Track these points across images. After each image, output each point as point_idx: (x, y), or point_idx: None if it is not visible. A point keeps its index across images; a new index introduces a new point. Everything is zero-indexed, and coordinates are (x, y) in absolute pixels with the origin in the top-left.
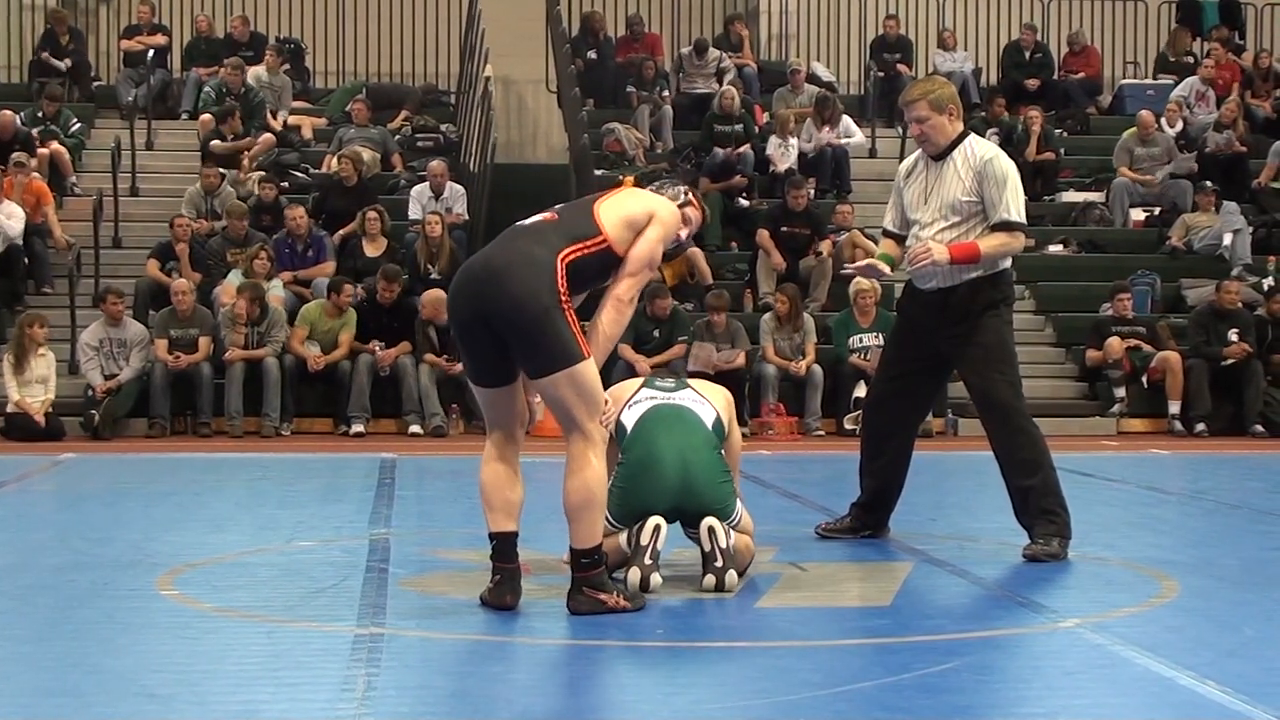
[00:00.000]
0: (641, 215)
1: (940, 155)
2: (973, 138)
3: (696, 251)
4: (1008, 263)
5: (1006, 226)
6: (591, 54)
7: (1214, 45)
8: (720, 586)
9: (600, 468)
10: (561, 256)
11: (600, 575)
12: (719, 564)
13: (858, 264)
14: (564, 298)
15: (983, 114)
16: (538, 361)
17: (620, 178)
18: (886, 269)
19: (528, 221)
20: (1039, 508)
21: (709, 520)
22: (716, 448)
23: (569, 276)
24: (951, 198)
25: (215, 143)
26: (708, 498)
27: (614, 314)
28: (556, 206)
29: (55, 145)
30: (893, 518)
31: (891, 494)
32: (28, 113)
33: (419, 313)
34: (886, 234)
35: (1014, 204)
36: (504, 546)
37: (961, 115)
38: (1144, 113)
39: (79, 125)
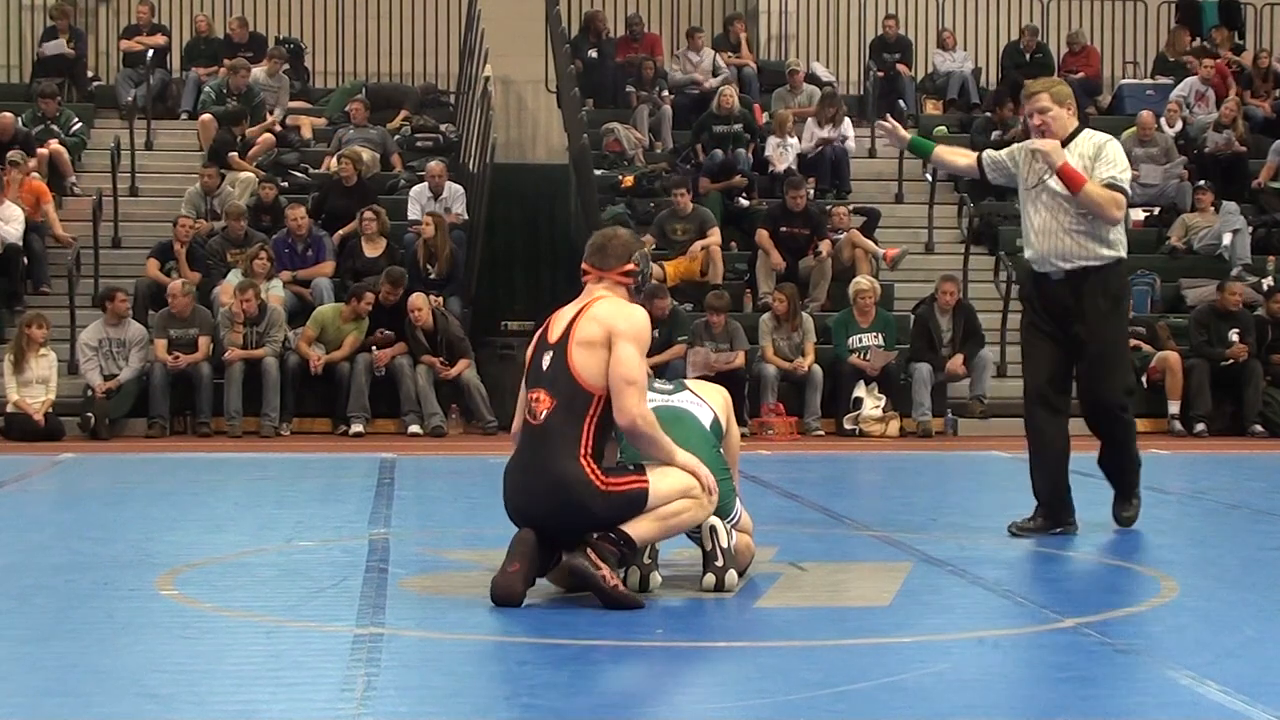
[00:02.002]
0: (600, 341)
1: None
2: (1089, 130)
3: (715, 250)
4: (1123, 250)
5: (1114, 187)
6: (592, 53)
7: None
8: (720, 586)
9: (694, 508)
10: (583, 453)
11: (614, 554)
12: (719, 563)
13: (893, 129)
14: (601, 484)
15: (988, 114)
16: (625, 521)
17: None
18: (905, 136)
19: (540, 420)
20: (1131, 486)
21: (711, 519)
22: (715, 448)
23: (595, 456)
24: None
25: (233, 155)
26: None
27: (646, 426)
28: (544, 373)
29: (55, 145)
30: (892, 518)
31: (1064, 486)
32: (28, 113)
33: (411, 316)
34: (979, 151)
35: (1124, 177)
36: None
37: (1077, 113)
38: (1144, 113)
39: (79, 125)
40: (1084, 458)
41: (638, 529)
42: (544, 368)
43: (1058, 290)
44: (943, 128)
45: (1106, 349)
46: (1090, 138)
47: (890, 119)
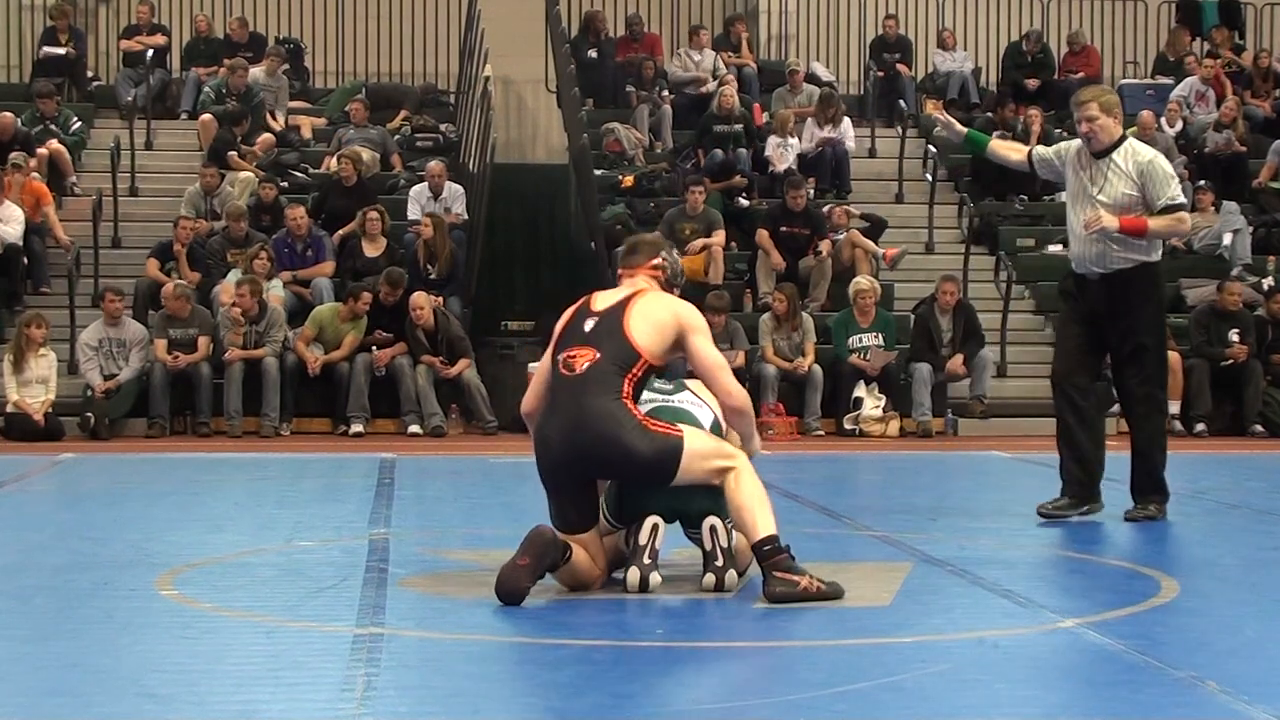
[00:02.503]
0: (670, 325)
1: (1102, 153)
2: (1133, 140)
3: (718, 251)
4: (1159, 254)
5: (1172, 208)
6: (592, 53)
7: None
8: (720, 586)
9: (750, 478)
10: (626, 396)
11: (786, 560)
12: (719, 563)
13: (949, 122)
14: (643, 420)
15: (989, 114)
16: (660, 476)
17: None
18: (961, 130)
19: (580, 371)
20: (1155, 484)
21: (711, 519)
22: None
23: (634, 399)
24: (1115, 192)
25: (232, 155)
26: (707, 497)
27: (746, 403)
28: (588, 334)
29: (55, 144)
30: (892, 518)
31: (1096, 465)
32: (28, 114)
33: (411, 315)
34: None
35: (1176, 191)
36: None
37: (1122, 121)
38: (1145, 113)
39: (79, 124)
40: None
41: (767, 523)
42: (586, 329)
43: (1095, 290)
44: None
45: (1141, 343)
46: (1133, 152)
47: (943, 112)
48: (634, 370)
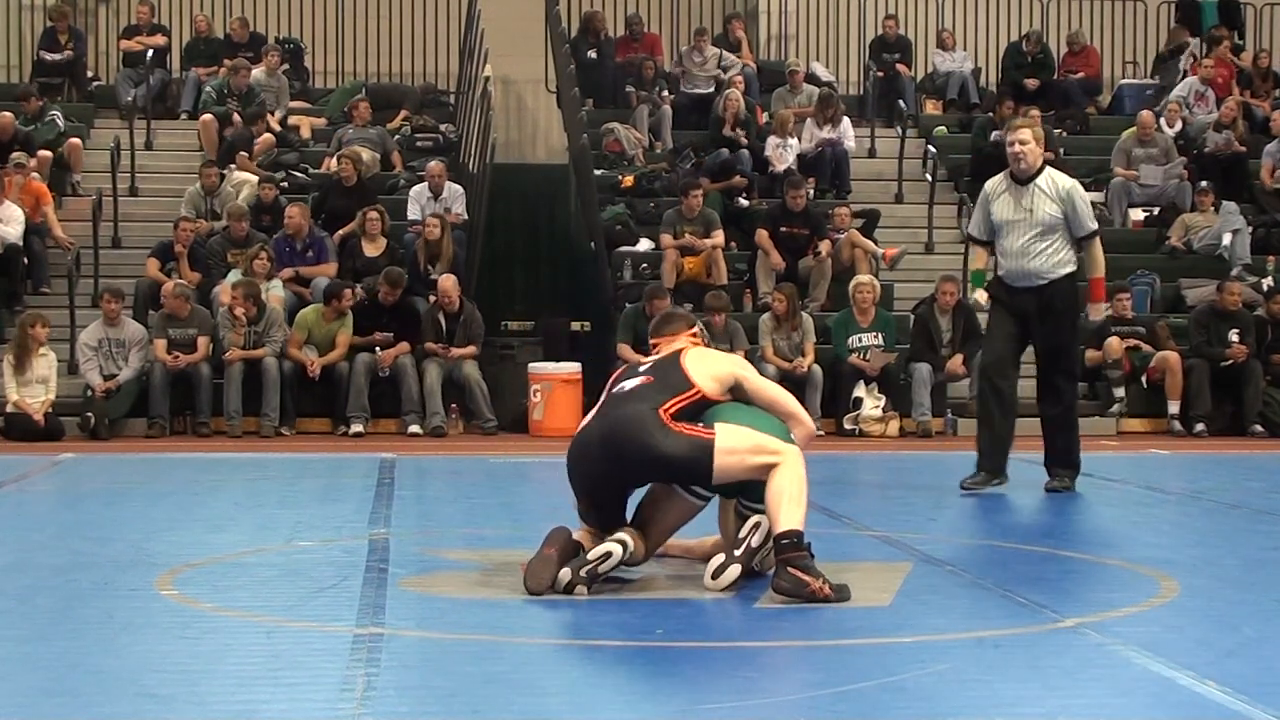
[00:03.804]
0: (727, 373)
1: (1026, 180)
2: (1050, 169)
3: (718, 253)
4: (1075, 268)
5: (1094, 235)
6: (591, 54)
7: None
8: (718, 574)
9: (791, 472)
10: (663, 409)
11: (803, 558)
12: (737, 552)
13: (981, 302)
14: (672, 423)
15: (988, 114)
16: (697, 477)
17: (620, 178)
18: (984, 300)
19: (629, 386)
20: (1069, 460)
21: (757, 518)
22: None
23: (673, 417)
24: (1043, 213)
25: (242, 155)
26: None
27: (809, 424)
28: (645, 368)
29: (73, 141)
30: (892, 518)
31: (1007, 445)
32: (23, 117)
33: (429, 301)
34: (974, 240)
35: (1093, 220)
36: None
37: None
38: (1144, 112)
39: (53, 116)
40: (1085, 458)
41: (795, 517)
42: (640, 370)
43: (1025, 297)
44: (942, 128)
45: (1062, 341)
46: (1053, 178)
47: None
48: (684, 395)
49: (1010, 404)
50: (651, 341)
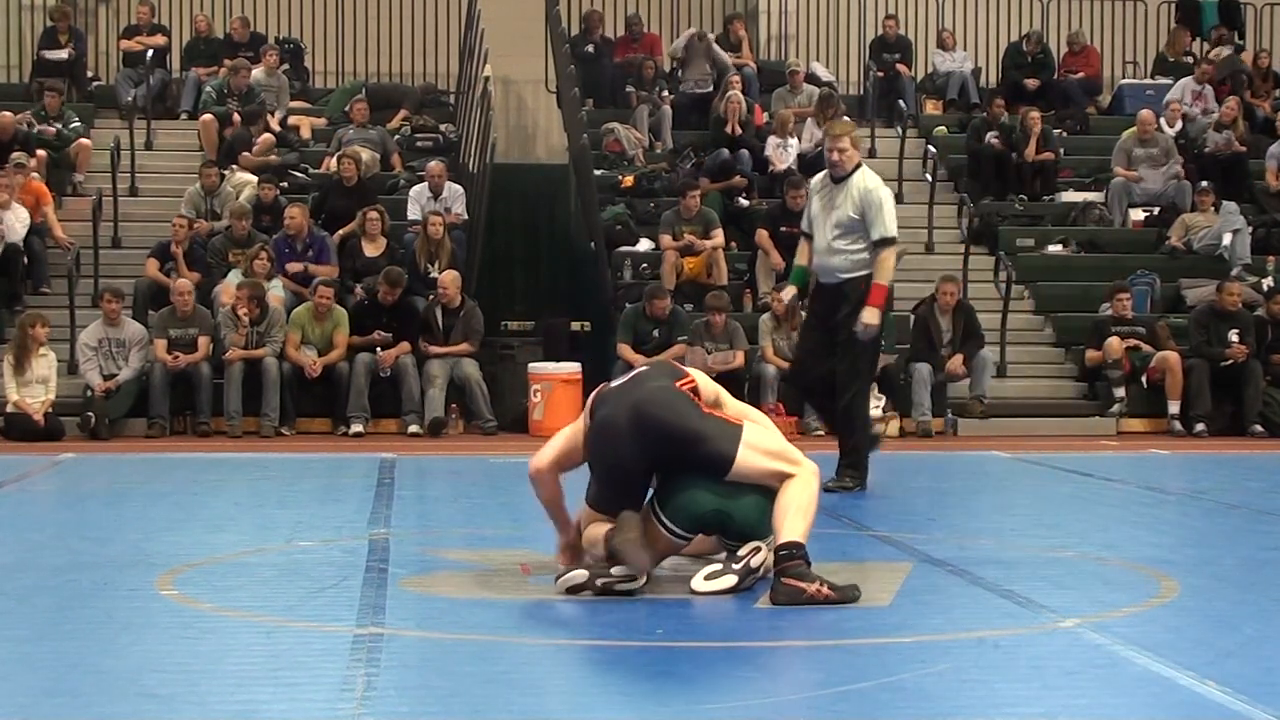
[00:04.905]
0: (712, 385)
1: (842, 179)
2: (864, 169)
3: (719, 253)
4: (870, 270)
5: (883, 242)
6: (589, 48)
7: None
8: (710, 579)
9: (805, 486)
10: (679, 384)
11: (798, 567)
12: (736, 566)
13: (784, 300)
14: (700, 404)
15: (983, 114)
16: (717, 464)
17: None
18: (795, 291)
19: (623, 380)
20: (855, 458)
21: (759, 543)
22: None
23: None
24: (843, 214)
25: (245, 155)
26: (755, 509)
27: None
28: (637, 366)
29: (82, 141)
30: (892, 518)
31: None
32: (33, 111)
33: (428, 297)
34: (804, 234)
35: (888, 225)
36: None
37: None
38: (1144, 112)
39: (77, 124)
40: (1085, 458)
41: (797, 529)
42: (629, 370)
43: (828, 294)
44: (943, 128)
45: (848, 340)
46: (862, 180)
47: (784, 299)
48: (682, 381)
49: (825, 404)
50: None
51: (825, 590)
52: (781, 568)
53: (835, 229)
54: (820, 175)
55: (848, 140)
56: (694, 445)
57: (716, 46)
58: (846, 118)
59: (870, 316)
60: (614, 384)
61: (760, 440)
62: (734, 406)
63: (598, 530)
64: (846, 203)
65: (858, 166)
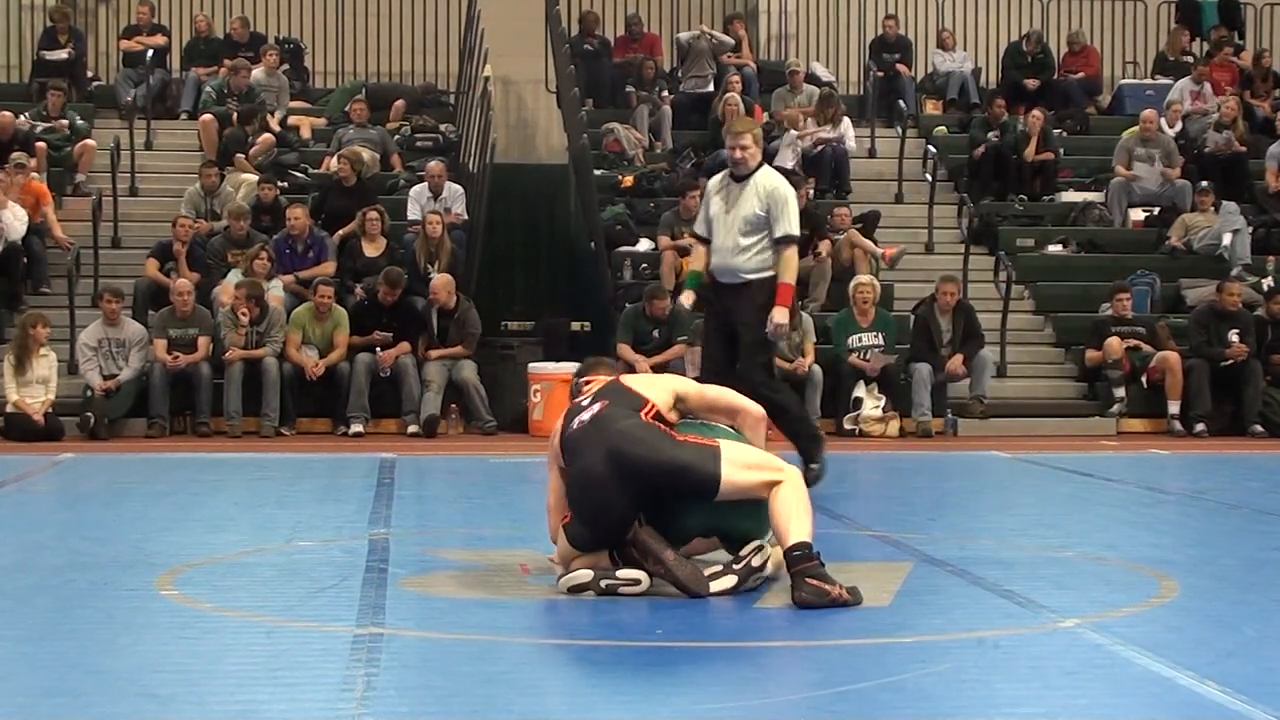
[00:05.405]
0: (668, 389)
1: (743, 178)
2: (766, 168)
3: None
4: (774, 270)
5: (786, 240)
6: (587, 46)
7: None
8: (712, 579)
9: (794, 487)
10: (646, 415)
11: (816, 567)
12: (736, 567)
13: (686, 307)
14: (670, 434)
15: (983, 114)
16: (703, 489)
17: (620, 178)
18: (694, 297)
19: (587, 417)
20: (804, 446)
21: (761, 542)
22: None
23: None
24: (748, 210)
25: (239, 157)
26: (750, 517)
27: (761, 411)
28: (589, 401)
29: (87, 142)
30: (892, 518)
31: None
32: (35, 112)
33: (427, 298)
34: (697, 237)
35: (791, 224)
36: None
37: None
38: (1148, 111)
39: (81, 123)
40: (1085, 458)
41: (803, 530)
42: (584, 405)
43: (728, 294)
44: (942, 128)
45: (753, 340)
46: (765, 178)
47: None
48: (644, 410)
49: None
50: (582, 381)
51: (845, 593)
52: (801, 568)
53: (742, 226)
54: (719, 176)
55: (750, 139)
56: (677, 476)
57: (719, 34)
58: (749, 116)
59: (780, 316)
60: (575, 424)
61: (739, 455)
62: (696, 395)
63: (585, 560)
64: (751, 200)
65: (760, 165)
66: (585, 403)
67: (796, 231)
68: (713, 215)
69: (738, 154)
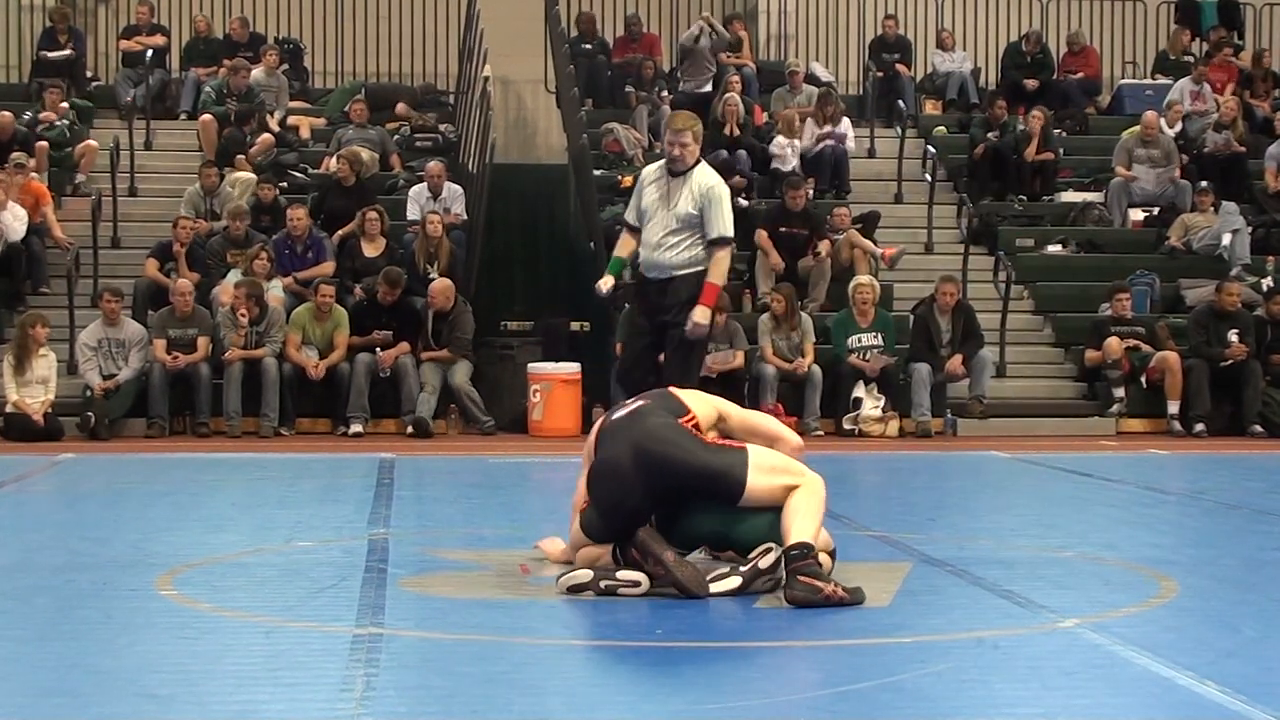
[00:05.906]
0: (712, 408)
1: (681, 174)
2: (703, 165)
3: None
4: (703, 265)
5: (719, 241)
6: (586, 45)
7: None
8: (715, 580)
9: (811, 492)
10: (682, 421)
11: (811, 566)
12: (742, 568)
13: (602, 292)
14: (699, 436)
15: (983, 114)
16: (728, 491)
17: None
18: (612, 282)
19: (624, 412)
20: None
21: (768, 545)
22: None
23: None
24: (683, 209)
25: (239, 157)
26: (763, 522)
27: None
28: (645, 396)
29: (89, 143)
30: (892, 518)
31: None
32: (35, 112)
33: (426, 301)
34: (626, 226)
35: (725, 225)
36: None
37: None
38: (1149, 113)
39: (79, 126)
40: (1085, 458)
41: (807, 530)
42: (628, 403)
43: (655, 290)
44: (942, 128)
45: (678, 338)
46: (701, 176)
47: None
48: (684, 419)
49: None
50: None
51: (840, 592)
52: (795, 566)
53: (673, 222)
54: (655, 166)
55: (690, 135)
56: (701, 479)
57: (720, 28)
58: (688, 112)
59: (701, 315)
60: (614, 417)
61: (766, 460)
62: (738, 419)
63: (590, 553)
64: (687, 198)
65: (698, 162)
66: (630, 401)
67: (730, 233)
68: (645, 206)
69: (676, 150)
